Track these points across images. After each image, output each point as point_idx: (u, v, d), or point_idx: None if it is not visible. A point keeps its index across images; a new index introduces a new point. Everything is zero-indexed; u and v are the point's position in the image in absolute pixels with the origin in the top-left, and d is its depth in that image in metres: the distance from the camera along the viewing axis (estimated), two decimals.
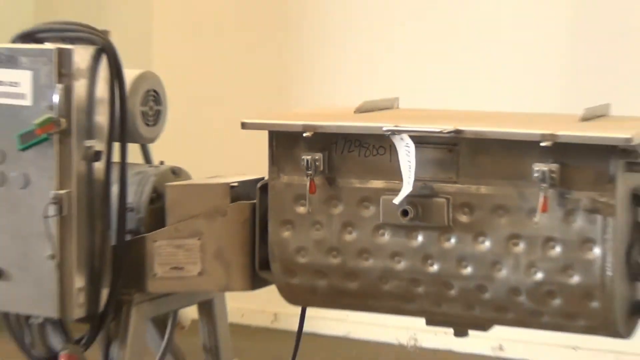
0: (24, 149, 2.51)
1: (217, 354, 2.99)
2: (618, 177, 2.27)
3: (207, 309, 2.98)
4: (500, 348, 5.64)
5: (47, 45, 2.52)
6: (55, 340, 2.68)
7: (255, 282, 2.68)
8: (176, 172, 2.77)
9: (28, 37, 2.62)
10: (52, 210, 2.49)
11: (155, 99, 2.74)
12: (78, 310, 2.56)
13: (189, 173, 2.80)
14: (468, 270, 2.41)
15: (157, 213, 2.69)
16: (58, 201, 2.49)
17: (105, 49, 2.57)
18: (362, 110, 2.69)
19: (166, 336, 2.91)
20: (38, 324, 2.66)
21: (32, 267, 2.55)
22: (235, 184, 2.66)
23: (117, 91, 2.60)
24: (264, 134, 2.57)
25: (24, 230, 2.55)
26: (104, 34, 2.59)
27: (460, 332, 2.59)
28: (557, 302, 2.35)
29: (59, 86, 2.48)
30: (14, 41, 2.61)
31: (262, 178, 2.64)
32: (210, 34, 6.49)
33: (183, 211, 2.63)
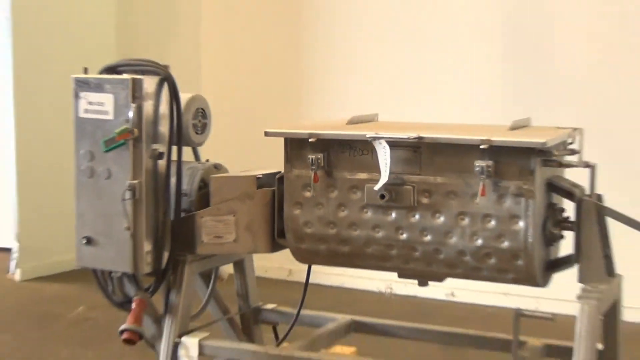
0: (107, 151, 2.54)
1: (247, 298, 3.02)
2: (536, 170, 2.30)
3: (240, 266, 3.00)
4: (452, 294, 5.68)
5: (125, 76, 2.55)
6: (130, 289, 2.70)
7: (274, 246, 2.70)
8: (217, 167, 2.78)
9: (111, 69, 2.64)
10: (128, 195, 2.52)
11: (202, 114, 2.75)
12: (146, 267, 2.60)
13: (226, 168, 2.81)
14: (428, 237, 2.44)
15: (203, 197, 2.70)
16: (132, 188, 2.52)
17: (166, 79, 2.60)
18: (351, 122, 2.72)
19: (210, 286, 2.91)
20: (117, 277, 2.68)
21: (113, 236, 2.58)
22: (260, 176, 2.67)
23: (175, 109, 2.62)
24: (281, 139, 2.62)
25: (107, 210, 2.58)
26: (165, 67, 2.62)
27: (423, 283, 2.62)
28: (492, 261, 2.38)
29: (133, 105, 2.50)
30: (100, 73, 2.62)
31: (279, 172, 2.66)
32: (243, 66, 6.52)
33: (222, 196, 2.65)
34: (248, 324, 3.02)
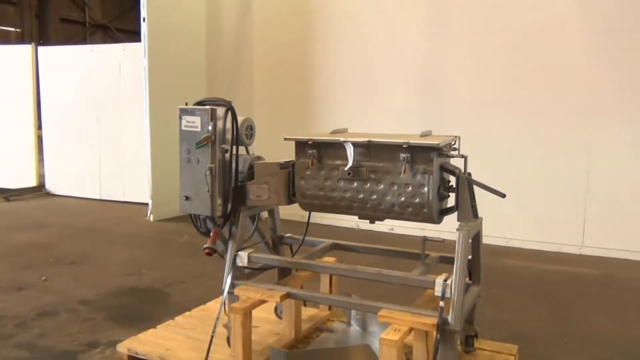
0: (197, 148, 2.54)
1: (275, 230, 3.00)
2: (434, 159, 2.31)
3: (271, 212, 2.98)
4: (392, 229, 5.71)
5: (206, 107, 2.55)
6: (209, 225, 2.70)
7: (290, 202, 2.67)
8: (259, 157, 2.75)
9: (200, 103, 2.61)
10: (208, 173, 2.53)
11: (250, 128, 2.72)
12: (218, 212, 2.60)
13: (264, 157, 2.77)
14: (374, 197, 2.43)
15: (251, 174, 2.67)
16: (211, 170, 2.53)
17: (229, 108, 2.59)
18: (333, 132, 2.70)
19: (254, 223, 2.89)
20: (202, 218, 2.69)
21: (200, 195, 2.57)
22: (282, 162, 2.65)
23: (234, 126, 2.60)
24: (292, 142, 2.62)
25: (197, 181, 2.56)
26: (229, 102, 2.60)
27: (372, 222, 2.60)
28: (410, 209, 2.38)
29: (211, 123, 2.51)
30: (194, 104, 2.60)
31: (292, 160, 2.63)
32: (275, 98, 6.55)
33: (261, 173, 2.63)
34: (276, 245, 3.01)
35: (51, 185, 8.25)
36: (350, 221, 5.72)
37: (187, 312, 3.29)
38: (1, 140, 8.52)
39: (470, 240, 2.37)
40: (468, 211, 2.37)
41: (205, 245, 2.59)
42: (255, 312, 2.62)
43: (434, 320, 2.21)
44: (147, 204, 6.57)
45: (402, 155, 2.33)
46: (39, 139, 8.38)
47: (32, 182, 8.32)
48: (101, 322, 3.41)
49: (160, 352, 2.72)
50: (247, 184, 2.65)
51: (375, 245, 2.96)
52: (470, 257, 2.50)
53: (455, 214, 2.41)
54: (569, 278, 4.47)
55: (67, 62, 7.98)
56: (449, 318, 2.21)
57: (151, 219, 6.48)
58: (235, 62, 6.94)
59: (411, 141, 2.32)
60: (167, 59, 6.54)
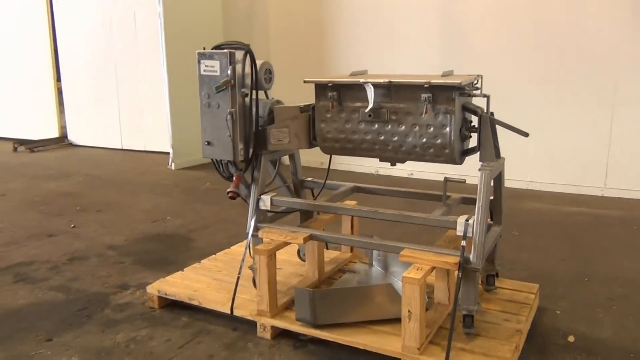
0: (217, 92, 2.52)
1: (297, 175, 3.01)
2: (456, 98, 2.28)
3: (292, 157, 2.99)
4: (411, 174, 5.70)
5: (225, 50, 2.51)
6: (232, 169, 2.72)
7: (310, 145, 2.67)
8: (279, 101, 2.74)
9: (218, 47, 2.57)
10: (229, 117, 2.53)
11: (269, 72, 2.69)
12: (240, 157, 2.61)
13: (283, 101, 2.75)
14: (395, 138, 2.42)
15: (271, 118, 2.66)
16: (231, 114, 2.52)
17: (248, 52, 2.55)
18: (352, 74, 2.66)
19: (276, 168, 2.90)
20: (225, 163, 2.71)
21: (222, 140, 2.58)
22: (302, 106, 2.64)
23: (253, 69, 2.58)
24: (312, 85, 2.59)
25: (218, 125, 2.56)
26: (247, 45, 2.57)
27: (393, 164, 2.57)
28: (431, 150, 2.37)
29: (230, 67, 2.48)
30: (212, 49, 2.57)
31: (312, 104, 2.62)
32: (293, 43, 6.44)
33: (281, 117, 2.62)
34: (297, 189, 3.03)
35: (73, 136, 8.35)
36: (369, 166, 5.73)
37: (212, 256, 3.37)
38: (22, 92, 8.59)
39: (492, 181, 2.37)
40: (491, 151, 2.35)
41: (228, 190, 2.62)
42: (279, 255, 2.68)
43: (456, 259, 2.23)
44: (168, 153, 6.63)
45: (424, 96, 2.30)
46: (59, 91, 8.42)
47: (54, 134, 8.42)
48: (130, 266, 3.51)
49: (188, 293, 2.82)
50: (267, 128, 2.65)
51: (396, 188, 2.97)
52: (492, 197, 2.50)
53: (477, 154, 2.39)
54: (590, 220, 4.45)
55: (82, 10, 7.89)
56: (471, 257, 2.24)
57: (173, 167, 6.56)
58: (250, 5, 6.81)
59: (433, 81, 2.28)
60: (182, 4, 6.44)
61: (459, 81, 2.25)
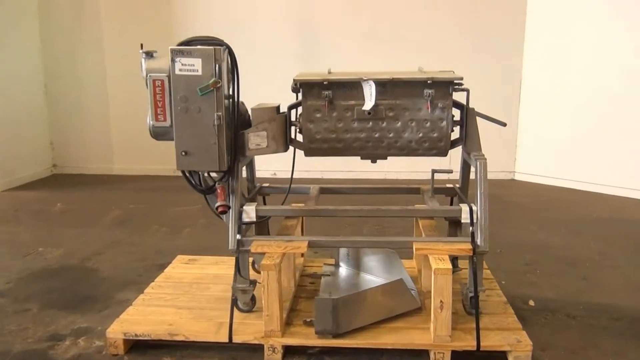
0: (202, 95, 2.21)
1: (253, 181, 2.85)
2: (452, 93, 2.38)
3: (250, 162, 2.81)
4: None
5: (209, 47, 2.21)
6: (210, 182, 2.45)
7: (287, 148, 2.53)
8: (242, 103, 2.48)
9: (184, 44, 2.23)
10: (216, 121, 2.25)
11: None
12: (225, 165, 2.34)
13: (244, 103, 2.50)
14: (391, 134, 2.43)
15: (242, 121, 2.45)
16: (218, 118, 2.24)
17: (228, 48, 2.27)
18: (330, 72, 2.57)
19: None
20: (203, 174, 2.43)
21: (204, 148, 2.27)
22: (278, 106, 2.50)
23: (234, 67, 2.32)
24: (285, 84, 2.43)
25: (199, 132, 2.26)
26: (223, 42, 2.27)
27: (374, 161, 2.57)
28: (426, 144, 2.44)
29: (217, 66, 2.22)
30: (178, 45, 2.22)
31: (287, 104, 2.50)
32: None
33: (259, 119, 2.43)
34: (253, 196, 2.83)
35: None
36: (264, 170, 5.40)
37: (152, 283, 2.94)
38: None
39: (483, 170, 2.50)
40: (477, 142, 2.50)
41: (217, 204, 2.35)
42: (210, 270, 2.86)
43: (468, 245, 2.34)
44: None
45: (427, 92, 2.35)
46: None
47: None
48: (42, 312, 2.85)
49: (164, 328, 2.43)
50: (245, 133, 2.42)
51: (359, 185, 2.98)
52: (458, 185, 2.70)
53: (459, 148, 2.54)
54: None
55: None
56: (478, 241, 2.36)
57: None
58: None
59: (434, 76, 2.35)
60: None
61: (456, 76, 2.36)
